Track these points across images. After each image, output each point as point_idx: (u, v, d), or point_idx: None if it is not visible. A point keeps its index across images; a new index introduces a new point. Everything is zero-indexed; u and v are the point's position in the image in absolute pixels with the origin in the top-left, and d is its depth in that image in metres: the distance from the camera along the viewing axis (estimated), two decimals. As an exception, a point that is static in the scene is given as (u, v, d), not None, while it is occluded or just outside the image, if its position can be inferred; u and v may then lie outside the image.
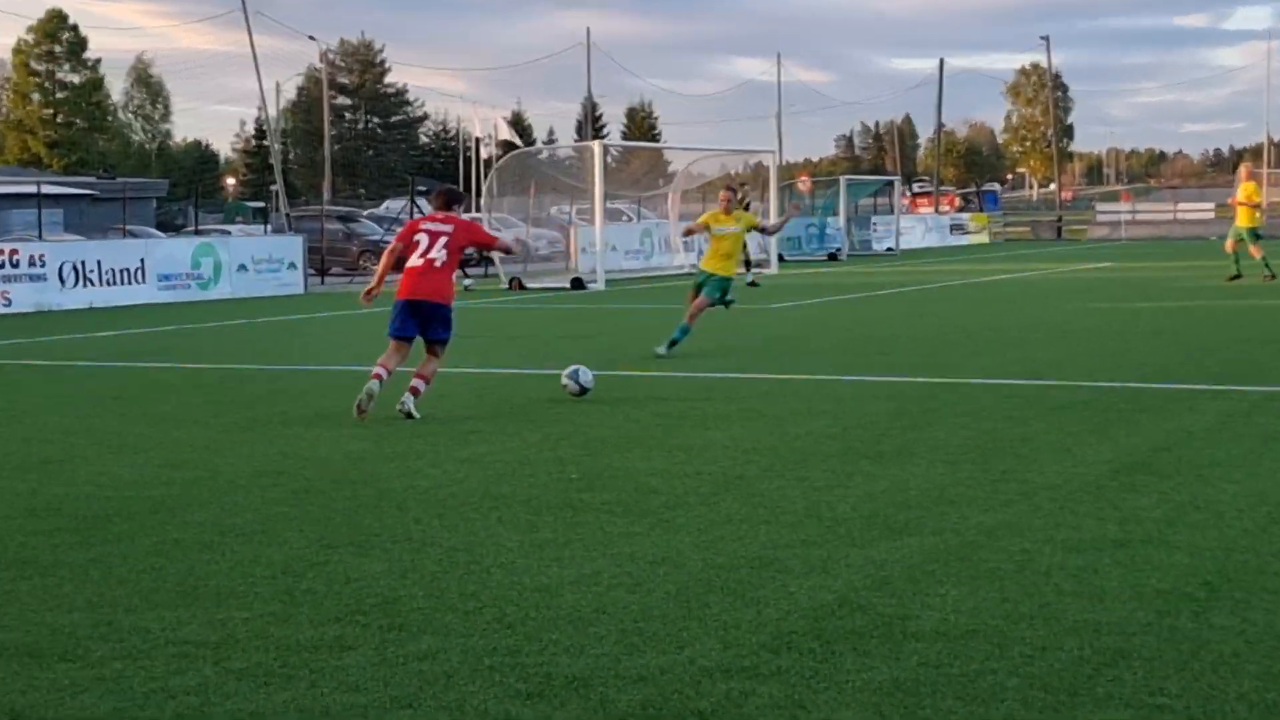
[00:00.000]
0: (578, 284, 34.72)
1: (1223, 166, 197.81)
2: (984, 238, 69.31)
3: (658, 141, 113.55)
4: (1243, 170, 31.66)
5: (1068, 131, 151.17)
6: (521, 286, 34.71)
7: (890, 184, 63.86)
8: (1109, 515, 8.02)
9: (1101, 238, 72.22)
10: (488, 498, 8.89)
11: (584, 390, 13.45)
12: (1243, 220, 29.37)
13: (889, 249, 56.92)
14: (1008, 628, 5.98)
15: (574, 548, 7.52)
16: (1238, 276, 28.76)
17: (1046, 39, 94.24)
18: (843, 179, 57.40)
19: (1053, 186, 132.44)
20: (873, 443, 10.63)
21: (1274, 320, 20.71)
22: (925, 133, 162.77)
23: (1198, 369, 14.87)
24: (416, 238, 13.02)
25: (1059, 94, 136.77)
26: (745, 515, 8.24)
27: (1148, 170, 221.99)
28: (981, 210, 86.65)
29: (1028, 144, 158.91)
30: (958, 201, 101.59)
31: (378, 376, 12.45)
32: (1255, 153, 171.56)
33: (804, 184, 65.77)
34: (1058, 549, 7.26)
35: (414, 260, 12.93)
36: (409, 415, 12.29)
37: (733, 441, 10.82)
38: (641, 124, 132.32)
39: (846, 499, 8.63)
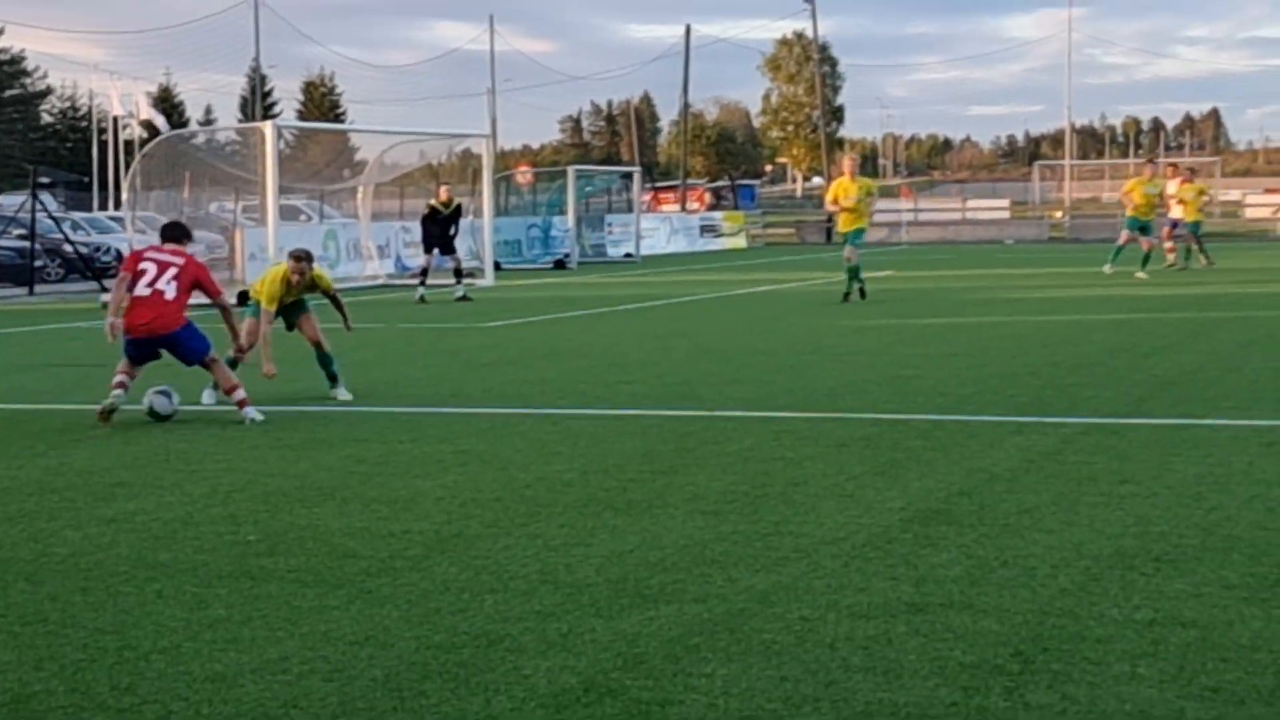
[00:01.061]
0: (245, 299, 34.23)
1: (1017, 156, 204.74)
2: (741, 241, 70.46)
3: (341, 122, 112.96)
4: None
5: (837, 114, 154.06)
6: (175, 302, 34.13)
7: (628, 176, 64.55)
8: (902, 574, 8.21)
9: (879, 241, 73.93)
10: (143, 567, 8.74)
11: (161, 416, 14.74)
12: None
13: (628, 255, 57.50)
14: (788, 713, 6.08)
15: (255, 626, 7.43)
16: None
17: (811, 2, 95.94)
18: (571, 169, 57.80)
19: (820, 180, 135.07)
20: (618, 491, 10.71)
21: (1084, 340, 21.46)
22: (668, 115, 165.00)
23: (999, 399, 15.32)
24: (142, 265, 14.87)
25: (827, 69, 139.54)
26: (466, 582, 8.24)
27: (930, 161, 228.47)
28: (736, 208, 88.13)
29: (790, 129, 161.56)
30: (708, 198, 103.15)
31: (121, 385, 14.60)
32: (1055, 140, 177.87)
33: (523, 175, 66.15)
34: (844, 616, 7.41)
35: (140, 289, 14.73)
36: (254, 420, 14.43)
37: (447, 491, 10.81)
38: (322, 101, 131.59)
39: (589, 560, 8.68)
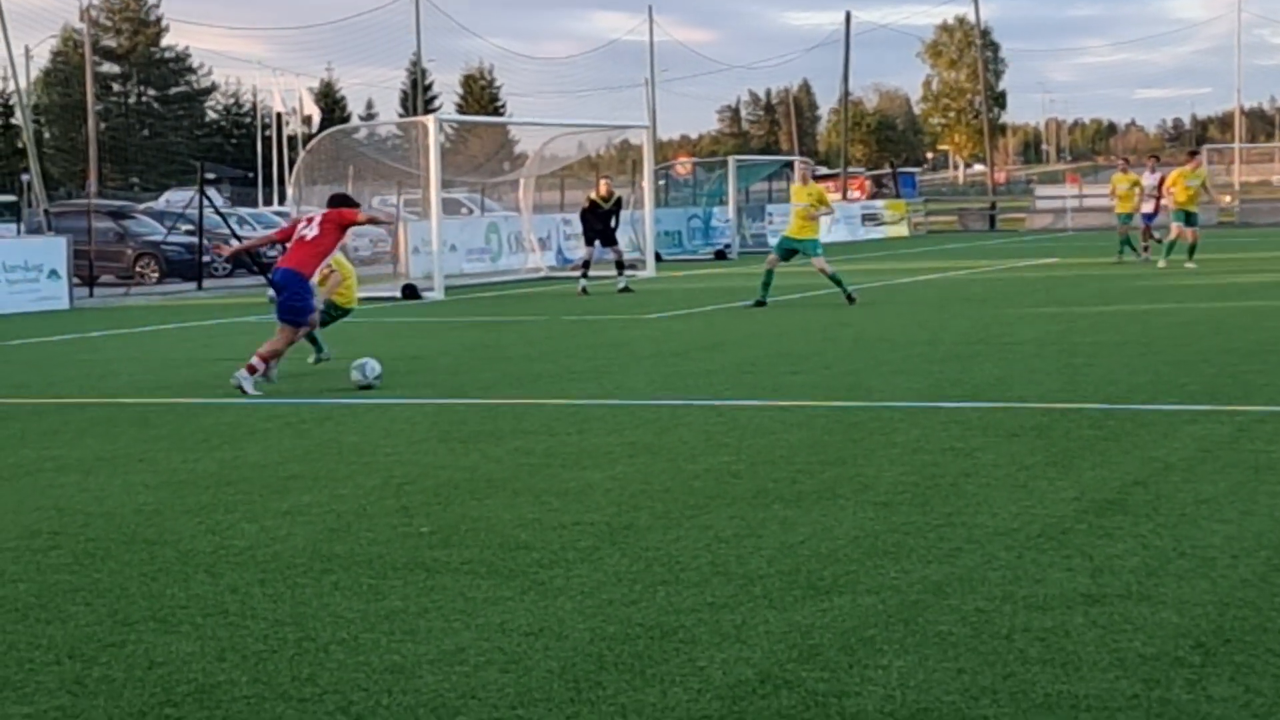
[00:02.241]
0: (410, 292, 34.63)
1: (1184, 140, 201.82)
2: (903, 229, 70.10)
3: (500, 115, 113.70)
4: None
5: (999, 100, 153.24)
6: (341, 296, 34.51)
7: (788, 165, 64.35)
8: (1078, 565, 8.16)
9: (1043, 228, 73.39)
10: (319, 558, 8.85)
11: (368, 385, 16.48)
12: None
13: (789, 244, 57.28)
14: (966, 705, 6.06)
15: (431, 618, 7.51)
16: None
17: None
18: (731, 160, 57.75)
19: (981, 167, 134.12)
20: (788, 482, 10.72)
21: (1257, 327, 21.17)
22: (827, 103, 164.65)
23: (1172, 387, 15.16)
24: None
25: (989, 54, 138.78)
26: (638, 574, 8.28)
27: (1094, 146, 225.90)
28: (898, 196, 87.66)
29: (951, 115, 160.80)
30: (869, 186, 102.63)
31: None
32: (1224, 122, 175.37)
33: (683, 166, 66.23)
34: (1019, 607, 7.38)
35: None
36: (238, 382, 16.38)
37: (616, 483, 10.86)
38: (481, 94, 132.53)
39: (760, 551, 8.69)
